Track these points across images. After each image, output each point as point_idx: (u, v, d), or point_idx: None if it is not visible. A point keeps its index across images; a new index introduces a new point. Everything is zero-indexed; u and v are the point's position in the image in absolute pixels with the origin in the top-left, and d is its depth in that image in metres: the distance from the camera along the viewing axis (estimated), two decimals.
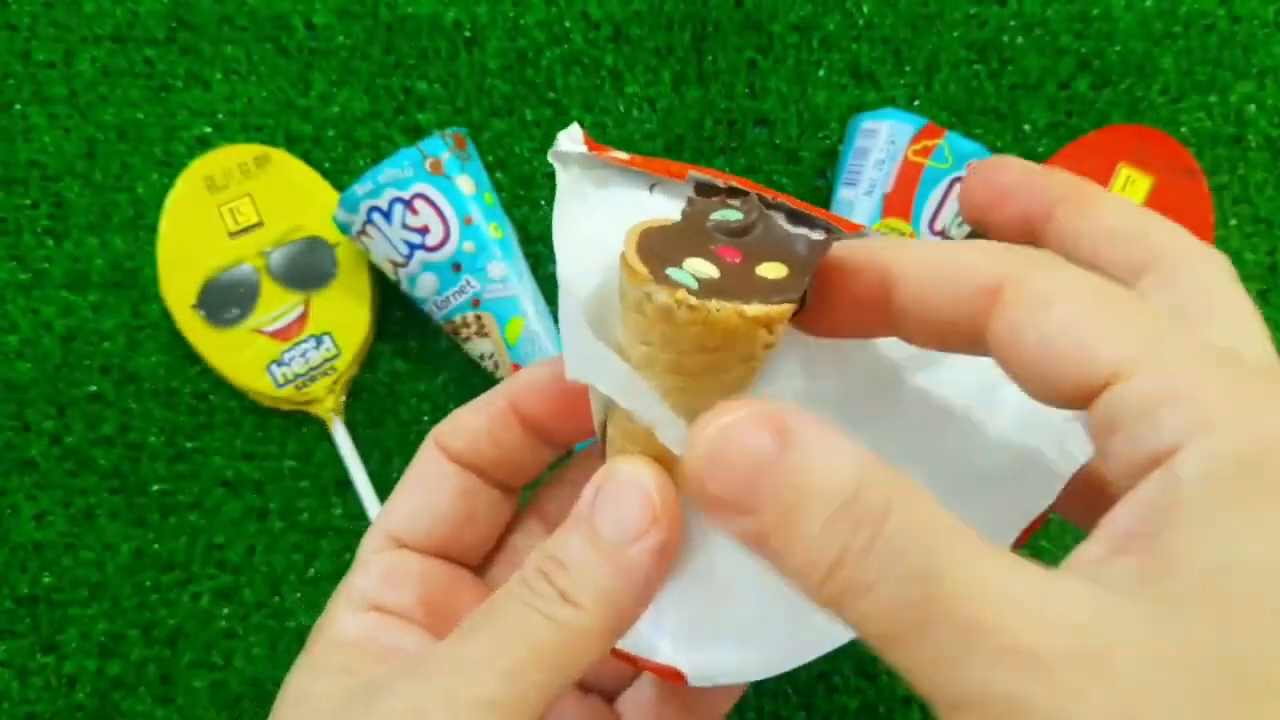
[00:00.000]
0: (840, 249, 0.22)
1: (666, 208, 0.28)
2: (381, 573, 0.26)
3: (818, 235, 0.24)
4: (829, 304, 0.23)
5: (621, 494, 0.23)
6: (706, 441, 0.19)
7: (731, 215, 0.24)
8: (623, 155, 0.27)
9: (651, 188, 0.28)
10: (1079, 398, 0.19)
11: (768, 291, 0.21)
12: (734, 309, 0.20)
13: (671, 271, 0.21)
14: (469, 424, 0.28)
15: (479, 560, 0.30)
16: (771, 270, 0.22)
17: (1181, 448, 0.17)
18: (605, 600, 0.22)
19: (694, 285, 0.21)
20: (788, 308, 0.21)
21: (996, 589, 0.17)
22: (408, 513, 0.27)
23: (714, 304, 0.20)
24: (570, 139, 0.27)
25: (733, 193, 0.27)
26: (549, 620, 0.22)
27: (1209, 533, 0.16)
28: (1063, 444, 0.27)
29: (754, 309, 0.20)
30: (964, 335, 0.21)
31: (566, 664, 0.22)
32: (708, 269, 0.22)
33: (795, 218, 0.25)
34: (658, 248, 0.22)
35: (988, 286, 0.20)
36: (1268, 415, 0.17)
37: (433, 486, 0.27)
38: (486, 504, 0.28)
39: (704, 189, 0.28)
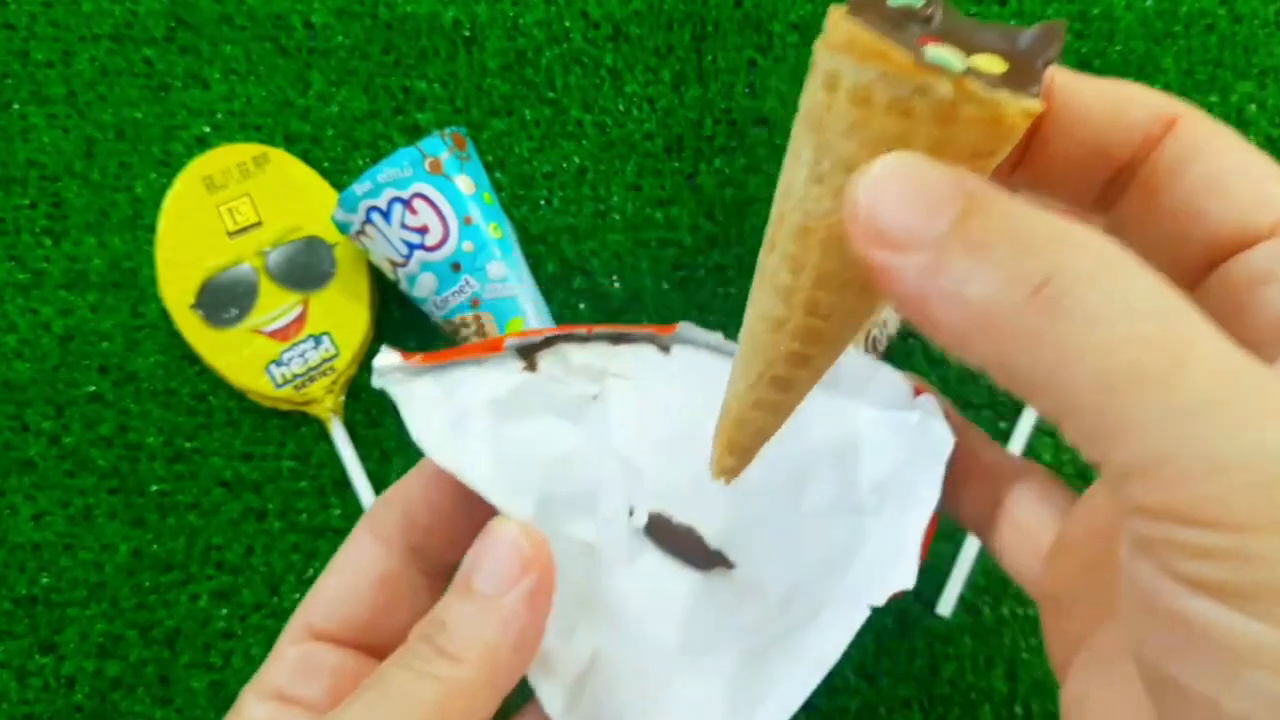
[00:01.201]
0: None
1: (503, 374, 0.29)
2: (293, 665, 0.27)
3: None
4: None
5: (493, 548, 0.24)
6: (885, 168, 0.16)
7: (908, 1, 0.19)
8: (438, 353, 0.29)
9: (480, 363, 0.29)
10: (1224, 243, 0.19)
11: (1013, 85, 0.17)
12: (1020, 102, 0.16)
13: (931, 57, 0.16)
14: (401, 494, 0.28)
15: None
16: (988, 63, 0.18)
17: None
18: (483, 649, 0.23)
19: (963, 71, 0.16)
20: (1041, 103, 0.17)
21: (1245, 354, 0.15)
22: (326, 602, 0.28)
23: (1004, 94, 0.16)
24: (383, 359, 0.28)
25: (549, 341, 0.29)
26: (430, 678, 0.23)
27: None
28: (927, 435, 0.28)
29: (1036, 103, 0.17)
30: (1107, 166, 0.21)
31: (452, 719, 0.23)
32: (953, 56, 0.17)
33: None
34: (883, 32, 0.17)
35: (1165, 116, 0.20)
36: None
37: (352, 579, 0.28)
38: (408, 592, 0.28)
39: (524, 350, 0.29)
